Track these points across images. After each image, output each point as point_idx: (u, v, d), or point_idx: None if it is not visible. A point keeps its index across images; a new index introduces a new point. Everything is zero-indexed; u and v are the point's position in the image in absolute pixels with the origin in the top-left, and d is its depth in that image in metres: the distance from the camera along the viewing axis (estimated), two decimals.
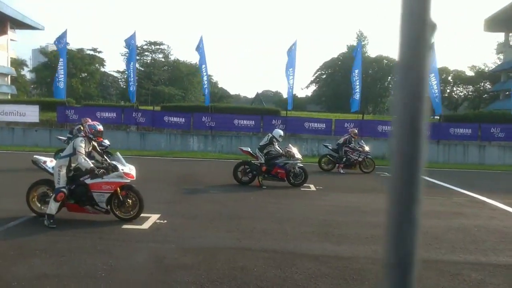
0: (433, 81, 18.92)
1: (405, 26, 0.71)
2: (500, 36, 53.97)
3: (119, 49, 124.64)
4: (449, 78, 65.09)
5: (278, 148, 10.26)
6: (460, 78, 65.66)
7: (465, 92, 67.86)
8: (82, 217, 6.24)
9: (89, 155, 6.30)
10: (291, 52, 19.17)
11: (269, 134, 10.42)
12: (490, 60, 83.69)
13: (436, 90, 18.97)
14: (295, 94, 43.18)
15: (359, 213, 7.50)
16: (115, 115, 19.80)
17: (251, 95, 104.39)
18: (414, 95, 0.72)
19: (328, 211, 7.60)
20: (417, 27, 0.71)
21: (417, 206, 0.74)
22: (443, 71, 57.90)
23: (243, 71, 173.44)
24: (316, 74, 72.23)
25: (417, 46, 0.71)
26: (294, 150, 10.30)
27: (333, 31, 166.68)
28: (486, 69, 63.49)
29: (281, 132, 10.52)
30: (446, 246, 5.54)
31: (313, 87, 74.91)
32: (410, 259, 0.74)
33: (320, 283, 4.11)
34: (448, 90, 65.55)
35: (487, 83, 62.57)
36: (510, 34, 52.90)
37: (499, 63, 56.43)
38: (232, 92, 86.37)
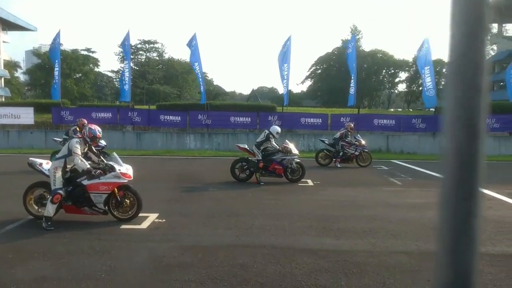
0: (428, 74, 18.97)
1: (458, 10, 0.59)
2: (493, 27, 54.20)
3: (113, 49, 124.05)
4: (444, 70, 65.05)
5: (275, 144, 10.26)
6: None
7: None
8: (80, 219, 6.22)
9: (85, 156, 6.28)
10: (285, 47, 19.13)
11: (266, 130, 10.41)
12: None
13: (431, 83, 19.01)
14: (291, 90, 43.17)
15: (356, 207, 7.53)
16: (110, 115, 19.74)
17: (246, 91, 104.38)
18: (470, 92, 0.60)
19: (326, 205, 7.62)
20: (473, 11, 0.58)
21: (475, 220, 0.62)
22: (438, 63, 57.93)
23: (238, 68, 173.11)
24: (311, 69, 72.24)
25: (473, 32, 0.59)
26: (291, 146, 10.30)
27: (328, 26, 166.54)
28: None
29: (278, 129, 10.51)
30: None
31: (308, 83, 74.96)
32: (467, 279, 0.63)
33: (320, 278, 4.12)
34: (443, 82, 65.60)
35: None
36: (504, 25, 53.10)
37: (493, 54, 56.61)
38: (227, 89, 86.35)
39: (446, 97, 0.63)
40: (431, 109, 21.48)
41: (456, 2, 0.60)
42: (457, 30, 0.60)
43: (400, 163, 15.13)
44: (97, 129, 6.35)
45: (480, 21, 0.59)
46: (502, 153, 18.77)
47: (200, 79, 19.82)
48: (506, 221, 6.51)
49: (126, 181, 6.21)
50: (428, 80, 18.99)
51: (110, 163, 6.24)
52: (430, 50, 19.02)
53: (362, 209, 7.39)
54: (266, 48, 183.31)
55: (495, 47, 56.03)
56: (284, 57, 19.15)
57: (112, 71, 68.00)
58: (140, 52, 67.77)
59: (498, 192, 8.95)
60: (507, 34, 52.46)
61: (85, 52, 59.29)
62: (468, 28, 0.59)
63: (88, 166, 5.97)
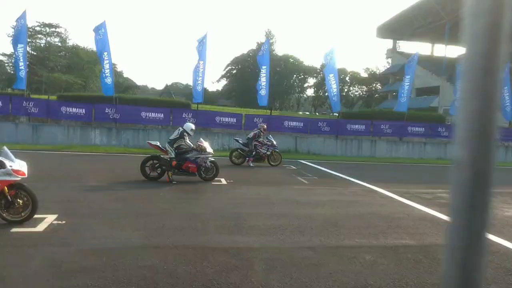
0: (333, 81, 20.45)
1: (474, 28, 0.57)
2: (389, 43, 60.81)
3: (5, 29, 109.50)
4: (347, 78, 71.24)
5: (189, 142, 10.09)
6: (356, 79, 72.33)
7: (360, 92, 74.94)
8: None
9: None
10: (201, 44, 18.93)
11: (180, 127, 10.19)
12: (381, 63, 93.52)
13: (335, 89, 20.53)
14: (206, 88, 42.96)
15: (267, 205, 7.79)
16: (0, 104, 17.44)
17: (159, 86, 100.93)
18: (484, 99, 0.58)
19: (239, 204, 7.74)
20: (491, 12, 0.56)
21: (486, 230, 0.60)
22: (342, 72, 63.10)
23: (151, 62, 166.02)
24: (227, 69, 72.86)
25: (490, 48, 0.56)
26: (206, 144, 10.24)
27: (244, 27, 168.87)
28: (378, 71, 70.86)
29: (193, 126, 10.36)
30: (344, 232, 6.06)
31: (224, 82, 75.43)
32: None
33: (231, 275, 4.17)
34: (345, 90, 71.69)
35: (378, 84, 70.02)
36: (397, 42, 59.93)
37: (388, 66, 63.58)
38: (139, 83, 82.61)
39: (460, 108, 0.61)
40: (335, 113, 23.21)
41: (472, 21, 0.60)
42: (473, 44, 0.59)
43: (307, 163, 16.07)
44: None
45: (498, 36, 0.58)
46: (393, 155, 21.13)
47: (108, 70, 18.53)
48: (395, 217, 7.34)
49: (19, 178, 5.54)
50: (333, 87, 20.46)
51: (0, 158, 5.51)
52: (335, 59, 20.53)
53: (272, 206, 7.67)
54: (182, 43, 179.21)
55: (390, 60, 62.88)
56: (199, 54, 18.94)
57: (4, 54, 60.10)
58: (39, 35, 61.06)
59: (390, 191, 10.05)
60: (400, 50, 59.18)
61: None
62: (485, 44, 0.58)
63: None
